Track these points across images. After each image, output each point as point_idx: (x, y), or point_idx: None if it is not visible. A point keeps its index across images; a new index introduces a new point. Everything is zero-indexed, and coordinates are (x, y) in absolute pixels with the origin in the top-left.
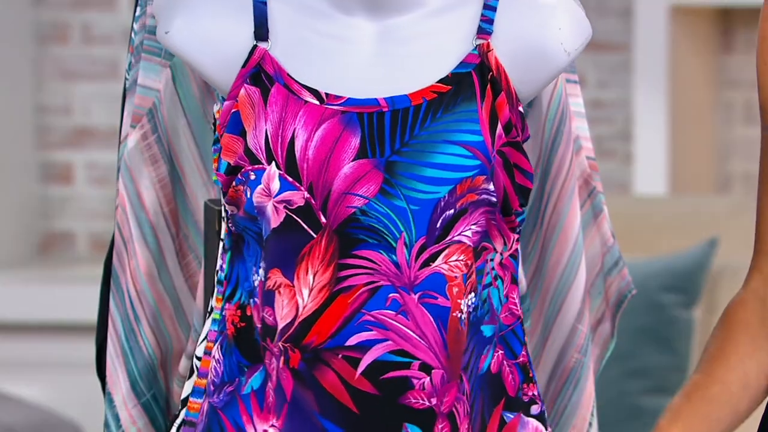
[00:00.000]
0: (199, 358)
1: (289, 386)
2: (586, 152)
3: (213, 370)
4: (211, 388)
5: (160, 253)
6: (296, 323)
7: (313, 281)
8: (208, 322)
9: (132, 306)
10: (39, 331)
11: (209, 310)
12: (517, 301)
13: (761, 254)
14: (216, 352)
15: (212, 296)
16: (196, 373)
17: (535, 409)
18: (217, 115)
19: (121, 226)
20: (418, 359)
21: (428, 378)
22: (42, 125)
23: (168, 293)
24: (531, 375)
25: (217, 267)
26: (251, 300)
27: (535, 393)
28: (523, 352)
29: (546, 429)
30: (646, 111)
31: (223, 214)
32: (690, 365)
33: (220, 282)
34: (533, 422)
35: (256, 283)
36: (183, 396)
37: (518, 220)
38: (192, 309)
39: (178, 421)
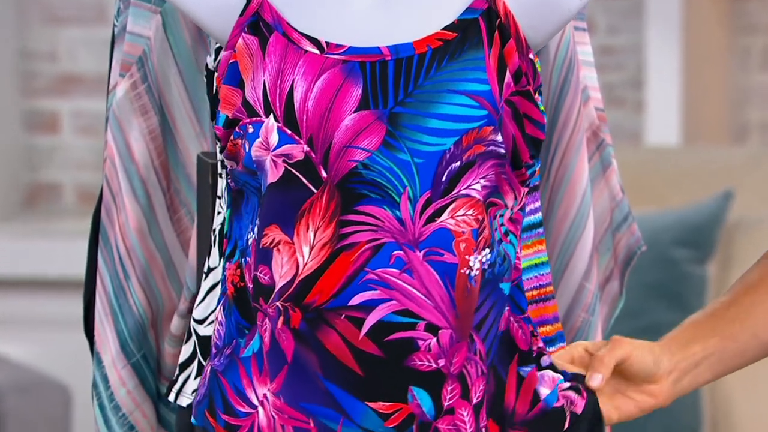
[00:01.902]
0: (197, 321)
1: (290, 347)
2: (594, 103)
3: (216, 332)
4: (213, 351)
5: (150, 208)
6: (296, 282)
7: (314, 238)
8: (205, 283)
9: (121, 262)
10: (25, 287)
11: (206, 270)
12: (521, 255)
13: None
14: (219, 313)
15: (208, 255)
16: (194, 336)
17: (545, 360)
18: (212, 67)
19: (109, 179)
20: (424, 319)
21: (435, 339)
22: (26, 71)
23: (159, 249)
24: (534, 330)
25: (214, 225)
26: (243, 259)
27: (541, 345)
28: (528, 308)
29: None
30: (659, 57)
31: (220, 169)
32: None
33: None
34: (548, 373)
35: (250, 242)
36: (181, 360)
37: (529, 173)
38: (184, 266)
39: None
